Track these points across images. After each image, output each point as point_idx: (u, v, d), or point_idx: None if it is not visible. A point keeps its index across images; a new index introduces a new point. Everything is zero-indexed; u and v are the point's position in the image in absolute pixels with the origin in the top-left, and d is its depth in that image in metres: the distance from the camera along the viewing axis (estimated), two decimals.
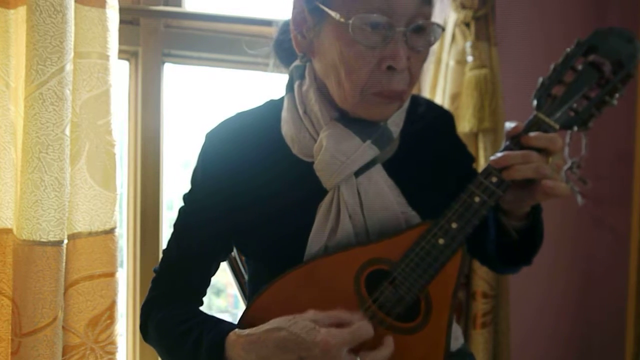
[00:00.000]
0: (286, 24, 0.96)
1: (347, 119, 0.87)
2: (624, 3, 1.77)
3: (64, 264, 1.08)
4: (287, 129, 0.90)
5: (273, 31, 1.01)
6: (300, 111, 0.89)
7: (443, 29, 0.84)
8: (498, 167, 0.80)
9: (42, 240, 1.03)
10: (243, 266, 1.16)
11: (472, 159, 1.04)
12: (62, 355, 1.10)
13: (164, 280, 0.95)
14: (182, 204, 0.96)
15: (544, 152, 0.80)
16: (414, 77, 0.84)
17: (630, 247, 1.65)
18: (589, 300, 1.83)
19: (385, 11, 0.78)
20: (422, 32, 0.81)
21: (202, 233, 0.92)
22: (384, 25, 0.78)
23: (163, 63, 1.47)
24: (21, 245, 1.04)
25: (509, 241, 0.90)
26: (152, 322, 0.91)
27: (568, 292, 1.81)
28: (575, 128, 0.84)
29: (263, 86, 1.69)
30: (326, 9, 0.81)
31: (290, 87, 0.93)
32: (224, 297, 2.32)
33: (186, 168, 1.82)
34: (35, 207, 1.02)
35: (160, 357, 0.92)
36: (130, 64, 1.47)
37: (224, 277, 2.08)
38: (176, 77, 1.56)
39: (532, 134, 0.81)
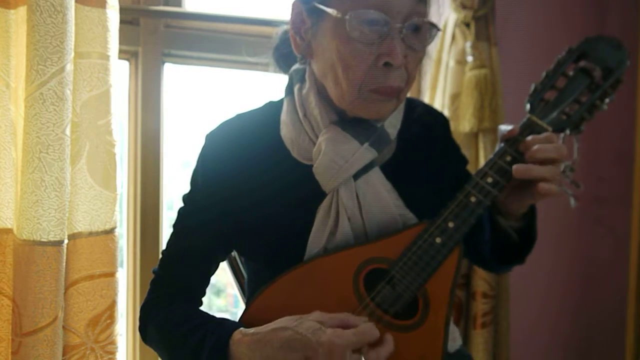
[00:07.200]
0: (286, 31, 0.97)
1: (345, 122, 0.88)
2: (624, 3, 1.77)
3: (64, 263, 1.08)
4: (286, 131, 0.91)
5: (273, 33, 1.01)
6: (300, 114, 0.90)
7: (439, 29, 0.85)
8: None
9: (43, 240, 1.03)
10: (243, 266, 1.16)
11: (465, 162, 1.05)
12: (62, 355, 1.10)
13: (163, 282, 0.95)
14: (181, 204, 0.96)
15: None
16: (411, 75, 0.84)
17: (630, 247, 1.65)
18: (589, 300, 1.83)
19: (381, 8, 0.78)
20: (418, 30, 0.82)
21: (202, 234, 0.92)
22: (380, 22, 0.79)
23: (163, 63, 1.47)
24: (21, 245, 1.04)
25: (505, 242, 0.91)
26: (153, 323, 0.91)
27: (568, 292, 1.81)
28: (568, 131, 0.87)
29: (262, 86, 1.69)
30: (324, 7, 0.82)
31: (289, 90, 0.93)
32: (224, 297, 2.32)
33: (186, 168, 1.82)
34: (36, 207, 1.02)
35: (161, 357, 0.92)
36: (130, 64, 1.47)
37: (224, 277, 2.08)
38: (176, 77, 1.56)
39: (531, 137, 0.83)
